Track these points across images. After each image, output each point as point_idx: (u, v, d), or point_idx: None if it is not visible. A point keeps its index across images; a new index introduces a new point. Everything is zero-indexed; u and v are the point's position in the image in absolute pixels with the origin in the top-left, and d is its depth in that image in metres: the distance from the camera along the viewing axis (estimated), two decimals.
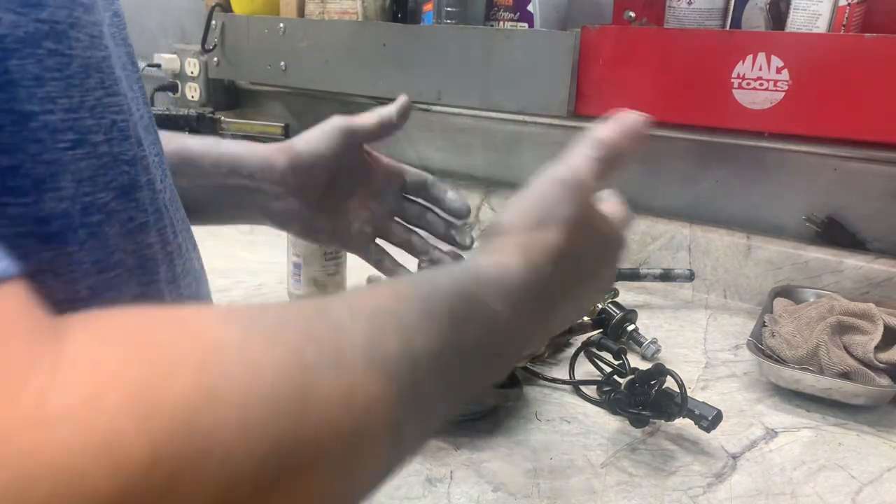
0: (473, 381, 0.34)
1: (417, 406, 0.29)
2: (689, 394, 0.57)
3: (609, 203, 0.48)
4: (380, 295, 0.31)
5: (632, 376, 0.60)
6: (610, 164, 0.45)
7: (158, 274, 0.36)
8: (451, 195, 0.61)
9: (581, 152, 0.45)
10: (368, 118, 0.60)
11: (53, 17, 0.29)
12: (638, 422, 0.59)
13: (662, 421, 0.59)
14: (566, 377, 0.68)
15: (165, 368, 0.21)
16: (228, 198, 0.58)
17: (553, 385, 0.67)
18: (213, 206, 0.58)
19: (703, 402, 0.57)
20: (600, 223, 0.43)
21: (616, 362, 0.66)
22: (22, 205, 0.28)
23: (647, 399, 0.58)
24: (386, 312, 0.29)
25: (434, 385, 0.30)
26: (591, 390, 0.66)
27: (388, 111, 0.61)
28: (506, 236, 0.39)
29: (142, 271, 0.34)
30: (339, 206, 0.61)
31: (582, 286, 0.41)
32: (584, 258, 0.41)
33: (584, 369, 0.69)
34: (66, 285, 0.30)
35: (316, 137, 0.58)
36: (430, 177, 0.61)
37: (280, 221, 0.60)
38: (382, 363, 0.26)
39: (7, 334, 0.20)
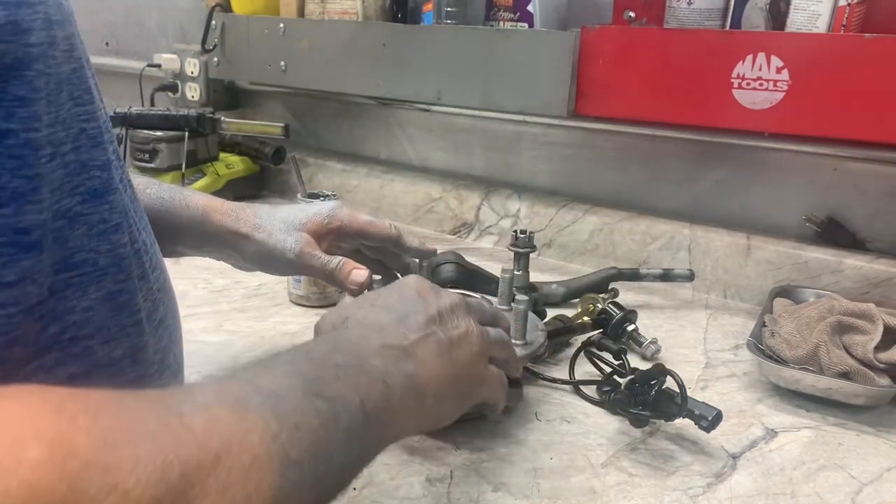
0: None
1: (297, 427, 0.32)
2: (688, 394, 0.57)
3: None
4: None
5: (632, 376, 0.60)
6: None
7: (132, 271, 0.38)
8: (417, 244, 0.68)
9: None
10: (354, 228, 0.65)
11: (39, 39, 0.31)
12: (638, 422, 0.59)
13: (662, 421, 0.59)
14: (566, 377, 0.68)
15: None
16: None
17: (553, 385, 0.67)
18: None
19: (704, 403, 0.57)
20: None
21: (616, 362, 0.66)
22: (1, 216, 0.30)
23: (647, 399, 0.58)
24: (215, 382, 0.33)
25: (308, 409, 0.33)
26: (590, 390, 0.66)
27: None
28: None
29: (117, 269, 0.37)
30: None
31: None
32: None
33: (584, 369, 0.69)
34: (37, 288, 0.32)
35: (282, 242, 0.61)
36: (395, 234, 0.66)
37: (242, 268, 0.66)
38: (234, 400, 0.31)
39: None
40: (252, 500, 0.27)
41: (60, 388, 0.26)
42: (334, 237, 0.63)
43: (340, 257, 0.61)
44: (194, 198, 0.61)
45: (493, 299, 0.65)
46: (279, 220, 0.61)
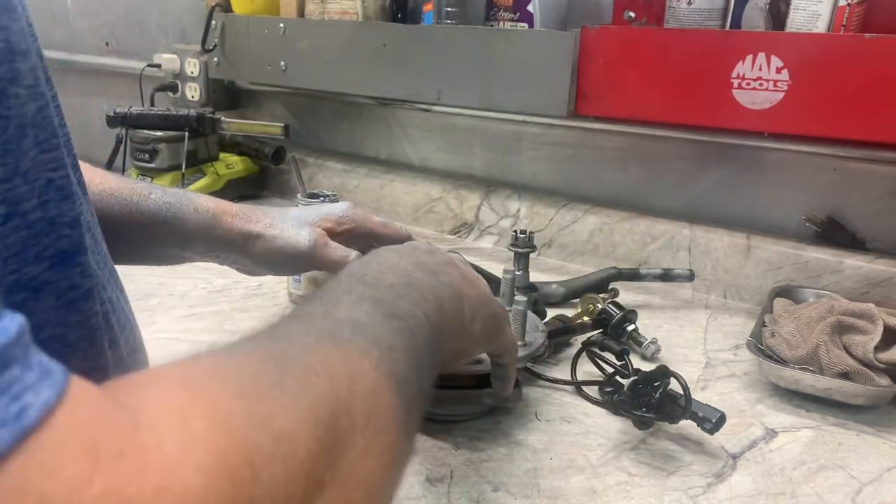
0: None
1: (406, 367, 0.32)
2: (690, 395, 0.57)
3: None
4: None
5: (635, 377, 0.60)
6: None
7: (102, 340, 0.32)
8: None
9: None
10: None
11: None
12: (642, 424, 0.59)
13: (666, 423, 0.59)
14: (566, 377, 0.68)
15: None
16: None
17: (554, 385, 0.67)
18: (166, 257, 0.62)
19: (707, 405, 0.57)
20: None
21: (619, 363, 0.66)
22: None
23: (651, 401, 0.58)
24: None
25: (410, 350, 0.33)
26: (591, 390, 0.66)
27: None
28: None
29: (88, 344, 0.31)
30: None
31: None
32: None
33: (584, 369, 0.69)
34: None
35: (293, 243, 0.60)
36: (406, 236, 0.66)
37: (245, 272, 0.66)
38: (371, 340, 0.31)
39: (94, 413, 0.21)
40: (389, 427, 0.28)
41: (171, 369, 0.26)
42: (346, 237, 0.63)
43: (356, 253, 0.61)
44: (201, 201, 0.60)
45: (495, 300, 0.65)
46: (291, 219, 0.61)
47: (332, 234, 0.62)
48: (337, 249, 0.60)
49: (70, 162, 0.32)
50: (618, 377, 0.65)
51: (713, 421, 0.56)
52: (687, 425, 0.58)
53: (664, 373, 0.58)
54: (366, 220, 0.64)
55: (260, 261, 0.61)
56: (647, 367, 0.66)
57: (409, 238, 0.66)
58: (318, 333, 0.31)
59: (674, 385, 0.58)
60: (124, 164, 1.18)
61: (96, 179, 0.55)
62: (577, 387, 0.67)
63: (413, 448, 0.32)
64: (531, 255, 0.81)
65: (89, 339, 0.31)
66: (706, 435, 0.58)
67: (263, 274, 0.64)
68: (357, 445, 0.26)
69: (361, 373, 0.29)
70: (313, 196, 0.82)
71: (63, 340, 0.30)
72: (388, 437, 0.28)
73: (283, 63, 1.14)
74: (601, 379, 0.66)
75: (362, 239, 0.65)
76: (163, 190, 0.59)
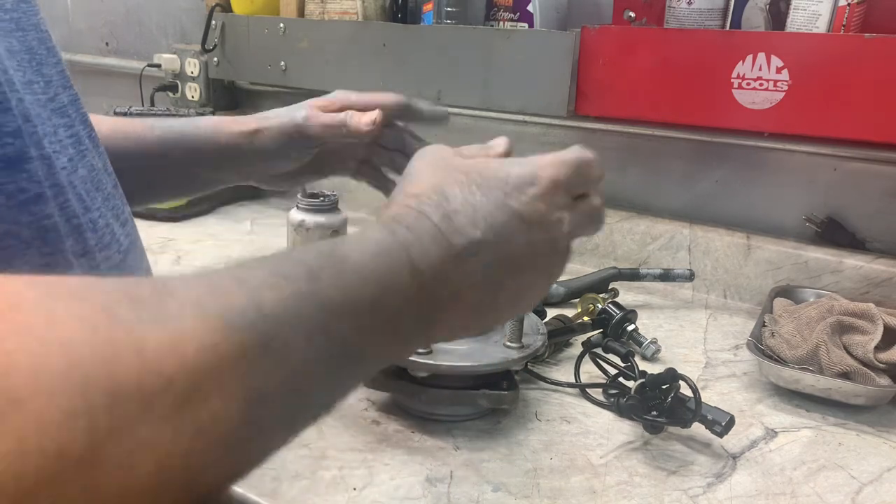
0: (358, 336, 0.32)
1: (283, 361, 0.28)
2: (700, 398, 0.56)
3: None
4: (225, 268, 0.30)
5: (642, 380, 0.59)
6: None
7: (63, 245, 0.36)
8: (427, 106, 0.70)
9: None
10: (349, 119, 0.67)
11: None
12: (653, 428, 0.58)
13: (679, 427, 0.58)
14: (567, 377, 0.68)
15: None
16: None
17: (555, 387, 0.67)
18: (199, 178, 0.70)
19: (716, 407, 0.57)
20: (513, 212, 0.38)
21: (623, 365, 0.66)
22: None
23: (661, 405, 0.58)
24: (227, 277, 0.28)
25: (303, 340, 0.29)
26: (595, 392, 0.66)
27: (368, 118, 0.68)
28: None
29: (41, 242, 0.35)
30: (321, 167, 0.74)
31: (491, 271, 0.37)
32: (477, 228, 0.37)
33: (583, 368, 0.69)
34: None
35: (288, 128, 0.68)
36: (404, 100, 0.69)
37: (263, 181, 0.73)
38: (219, 316, 0.26)
39: None
40: (206, 431, 0.24)
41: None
42: (341, 110, 0.67)
43: (347, 110, 0.66)
44: (202, 120, 0.69)
45: None
46: (283, 109, 0.69)
47: (326, 109, 0.68)
48: (328, 115, 0.66)
49: (40, 88, 0.38)
50: (621, 379, 0.65)
51: (723, 424, 0.56)
52: (690, 426, 0.58)
53: (673, 376, 0.58)
54: (359, 97, 0.68)
55: (269, 154, 0.67)
56: (647, 367, 0.66)
57: (406, 102, 0.68)
58: (215, 308, 0.27)
59: (682, 388, 0.58)
60: None
61: (106, 125, 0.61)
62: (582, 390, 0.66)
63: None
64: None
65: (41, 238, 0.35)
66: (706, 435, 0.58)
67: (278, 170, 0.70)
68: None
69: (218, 377, 0.25)
70: (313, 196, 0.82)
71: (18, 237, 0.34)
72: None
73: (283, 63, 1.14)
74: (604, 381, 0.66)
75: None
76: (164, 119, 0.68)
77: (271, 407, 0.27)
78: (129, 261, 0.43)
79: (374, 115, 0.65)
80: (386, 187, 0.74)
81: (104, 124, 0.59)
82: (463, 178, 0.38)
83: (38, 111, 0.37)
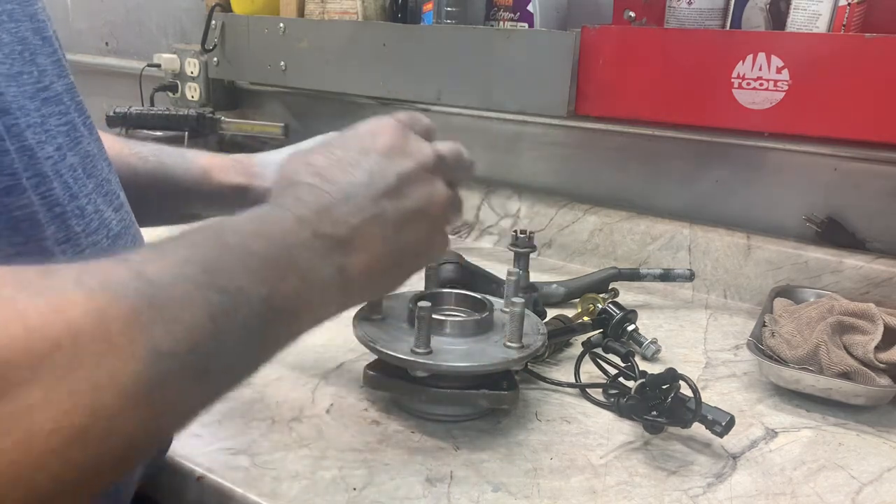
0: (261, 287, 0.34)
1: (175, 320, 0.30)
2: (701, 398, 0.56)
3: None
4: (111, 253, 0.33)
5: (642, 380, 0.59)
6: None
7: (42, 233, 0.36)
8: None
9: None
10: None
11: None
12: (653, 428, 0.58)
13: (679, 427, 0.58)
14: (567, 377, 0.68)
15: None
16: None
17: (554, 387, 0.67)
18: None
19: (716, 407, 0.57)
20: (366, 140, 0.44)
21: (623, 365, 0.66)
22: None
23: (661, 405, 0.57)
24: (108, 258, 0.31)
25: (193, 297, 0.31)
26: (595, 392, 0.66)
27: None
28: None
29: (12, 232, 0.35)
30: None
31: (378, 205, 0.41)
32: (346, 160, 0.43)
33: (583, 369, 0.69)
34: None
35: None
36: None
37: None
38: (102, 286, 0.28)
39: None
40: (102, 388, 0.26)
41: None
42: None
43: None
44: (195, 158, 0.63)
45: (495, 300, 0.65)
46: (276, 164, 0.62)
47: None
48: None
49: (74, 107, 0.40)
50: (621, 379, 0.65)
51: (723, 424, 0.56)
52: (690, 427, 0.58)
53: (673, 376, 0.58)
54: None
55: None
56: (647, 367, 0.66)
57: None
58: (100, 280, 0.29)
59: (682, 388, 0.58)
60: None
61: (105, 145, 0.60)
62: (583, 390, 0.66)
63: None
64: (531, 255, 0.81)
65: (13, 228, 0.35)
66: (706, 435, 0.58)
67: None
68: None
69: (97, 331, 0.27)
70: None
71: None
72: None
73: (283, 63, 1.14)
74: (604, 381, 0.66)
75: None
76: (162, 150, 0.63)
77: (174, 362, 0.29)
78: (118, 246, 0.44)
79: None
80: None
81: (105, 140, 0.59)
82: (323, 149, 0.43)
83: (24, 103, 0.37)
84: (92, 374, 0.26)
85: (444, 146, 0.48)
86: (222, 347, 0.32)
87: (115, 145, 0.61)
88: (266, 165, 0.62)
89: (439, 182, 0.45)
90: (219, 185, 0.62)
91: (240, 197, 0.62)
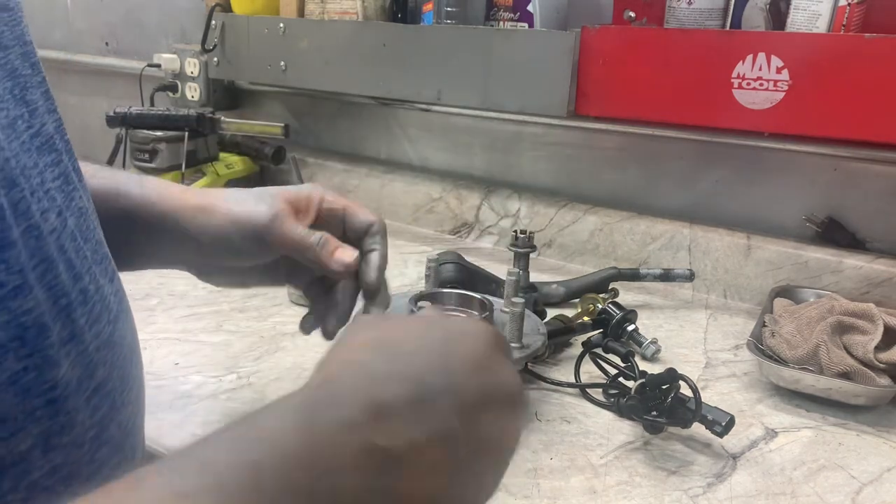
0: None
1: None
2: (700, 398, 0.56)
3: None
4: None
5: (642, 380, 0.59)
6: None
7: (47, 338, 0.30)
8: (375, 279, 0.52)
9: None
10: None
11: None
12: (653, 428, 0.58)
13: (679, 428, 0.58)
14: (567, 377, 0.68)
15: None
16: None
17: (555, 387, 0.67)
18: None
19: (716, 407, 0.57)
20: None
21: (623, 364, 0.66)
22: None
23: (661, 405, 0.57)
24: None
25: None
26: (595, 392, 0.66)
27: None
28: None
29: (19, 344, 0.29)
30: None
31: (438, 417, 0.29)
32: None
33: (583, 369, 0.69)
34: None
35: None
36: (379, 226, 0.54)
37: (199, 271, 0.55)
38: None
39: None
40: None
41: None
42: (314, 216, 0.52)
43: (323, 233, 0.50)
44: (151, 179, 0.52)
45: (495, 300, 0.65)
46: (251, 194, 0.51)
47: (299, 209, 0.51)
48: (297, 228, 0.49)
49: (64, 148, 0.31)
50: (621, 379, 0.65)
51: (723, 424, 0.56)
52: (690, 427, 0.58)
53: (673, 376, 0.58)
54: (338, 198, 0.54)
55: (214, 241, 0.50)
56: (647, 367, 0.66)
57: (378, 230, 0.53)
58: None
59: (682, 388, 0.58)
60: (124, 164, 1.18)
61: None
62: (582, 390, 0.66)
63: None
64: (531, 255, 0.81)
65: (20, 338, 0.29)
66: (706, 435, 0.58)
67: (223, 274, 0.54)
68: None
69: None
70: None
71: None
72: None
73: (283, 63, 1.14)
74: (604, 381, 0.66)
75: (334, 221, 0.53)
76: (111, 172, 0.51)
77: None
78: (117, 333, 0.37)
79: (354, 257, 0.50)
80: (329, 322, 0.54)
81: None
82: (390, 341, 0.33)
83: (24, 161, 0.31)
84: None
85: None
86: None
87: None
88: (236, 192, 0.51)
89: (522, 419, 0.34)
90: (175, 204, 0.50)
91: (199, 220, 0.50)
